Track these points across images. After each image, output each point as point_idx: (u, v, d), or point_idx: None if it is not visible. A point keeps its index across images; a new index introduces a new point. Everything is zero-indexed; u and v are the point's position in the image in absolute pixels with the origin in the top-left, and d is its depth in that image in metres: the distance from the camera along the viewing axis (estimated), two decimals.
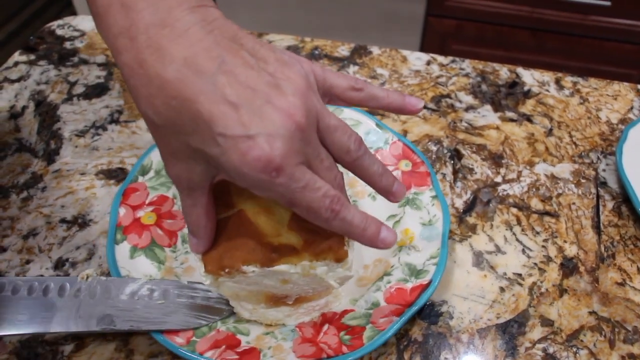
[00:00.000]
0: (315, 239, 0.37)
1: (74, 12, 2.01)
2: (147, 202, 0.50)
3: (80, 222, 0.52)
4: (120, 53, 0.31)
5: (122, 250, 0.47)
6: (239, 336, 0.43)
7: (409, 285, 0.45)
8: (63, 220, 0.53)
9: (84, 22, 0.77)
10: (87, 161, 0.58)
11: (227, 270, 0.37)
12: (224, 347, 0.42)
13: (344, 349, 0.41)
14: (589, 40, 1.49)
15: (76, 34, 0.75)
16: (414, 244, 0.49)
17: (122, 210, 0.49)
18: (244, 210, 0.38)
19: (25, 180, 0.56)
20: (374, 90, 0.38)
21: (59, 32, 0.75)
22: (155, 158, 0.53)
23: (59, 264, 0.49)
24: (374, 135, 0.54)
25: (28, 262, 0.49)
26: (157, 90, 0.30)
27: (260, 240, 0.37)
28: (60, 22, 0.77)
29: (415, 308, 0.43)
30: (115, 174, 0.57)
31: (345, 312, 0.45)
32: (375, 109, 0.37)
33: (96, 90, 0.66)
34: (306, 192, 0.32)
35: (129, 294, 0.42)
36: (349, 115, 0.56)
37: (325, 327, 0.44)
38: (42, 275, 0.48)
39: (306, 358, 0.41)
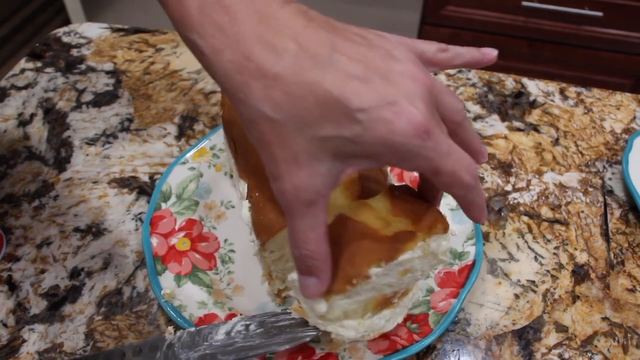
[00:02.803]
0: (419, 217, 0.35)
1: (67, 18, 2.00)
2: (177, 228, 0.50)
3: (95, 231, 0.52)
4: (221, 51, 0.28)
5: (167, 280, 0.45)
6: (311, 345, 0.43)
7: (456, 268, 0.48)
8: (77, 230, 0.52)
9: (90, 29, 0.76)
10: (99, 169, 0.58)
11: (354, 282, 0.33)
12: (300, 358, 0.41)
13: (415, 337, 0.42)
14: (583, 50, 1.51)
15: (83, 41, 0.75)
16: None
17: (155, 240, 0.48)
18: (344, 213, 0.35)
19: (37, 189, 0.56)
20: (456, 48, 0.37)
21: (65, 39, 0.75)
22: (172, 182, 0.53)
23: (74, 274, 0.49)
24: None
25: (43, 271, 0.49)
26: (273, 81, 0.28)
27: (374, 236, 0.34)
28: (66, 29, 0.77)
29: (468, 287, 0.45)
30: (128, 183, 0.56)
31: None
32: (459, 67, 0.37)
33: (105, 98, 0.66)
34: (451, 156, 0.29)
35: (224, 334, 0.40)
36: None
37: None
38: (122, 344, 0.45)
39: (383, 352, 0.42)
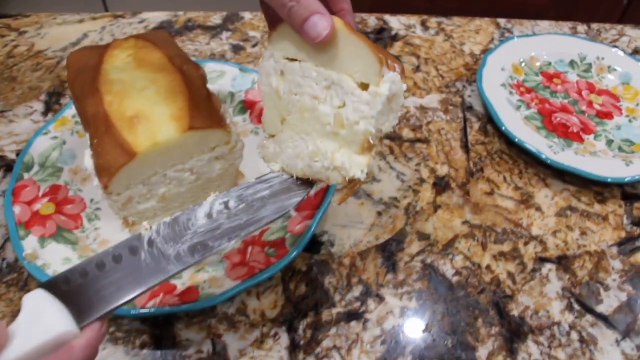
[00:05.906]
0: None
1: None
2: (40, 194, 0.50)
3: None
4: None
5: (30, 243, 0.46)
6: (172, 281, 0.44)
7: (312, 193, 0.49)
8: None
9: None
10: None
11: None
12: (161, 294, 0.43)
13: (272, 259, 0.44)
14: None
15: None
16: None
17: (17, 208, 0.48)
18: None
19: None
20: None
21: None
22: (35, 153, 0.53)
23: None
24: (240, 79, 0.58)
25: None
26: None
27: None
28: None
29: (324, 207, 0.47)
30: None
31: (262, 231, 0.48)
32: None
33: None
34: None
35: (205, 217, 0.37)
36: (212, 67, 0.58)
37: (250, 248, 0.47)
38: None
39: (242, 278, 0.43)
